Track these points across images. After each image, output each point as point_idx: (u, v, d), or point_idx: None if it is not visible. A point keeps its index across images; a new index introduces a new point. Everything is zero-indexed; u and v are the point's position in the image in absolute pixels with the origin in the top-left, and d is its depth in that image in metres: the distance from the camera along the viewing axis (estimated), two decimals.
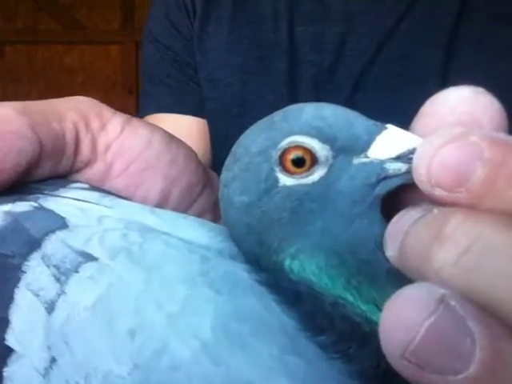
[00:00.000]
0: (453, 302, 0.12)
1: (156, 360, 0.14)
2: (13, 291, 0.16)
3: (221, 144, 0.32)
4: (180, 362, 0.14)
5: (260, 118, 0.19)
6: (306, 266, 0.16)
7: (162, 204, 0.23)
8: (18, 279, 0.16)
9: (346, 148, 0.16)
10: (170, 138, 0.24)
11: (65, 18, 2.87)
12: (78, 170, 0.22)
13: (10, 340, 0.16)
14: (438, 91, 0.17)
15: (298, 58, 0.53)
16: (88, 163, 0.22)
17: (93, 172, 0.22)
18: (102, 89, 2.97)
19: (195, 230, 0.19)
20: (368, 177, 0.16)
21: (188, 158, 0.24)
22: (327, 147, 0.16)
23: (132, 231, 0.17)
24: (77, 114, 0.23)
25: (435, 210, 0.14)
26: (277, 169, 0.17)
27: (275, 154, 0.17)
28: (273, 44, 0.54)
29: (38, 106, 0.22)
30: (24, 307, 0.16)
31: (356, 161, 0.16)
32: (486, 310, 0.12)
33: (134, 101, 2.95)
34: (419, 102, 0.18)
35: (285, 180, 0.17)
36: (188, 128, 0.50)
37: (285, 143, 0.17)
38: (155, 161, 0.23)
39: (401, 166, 0.16)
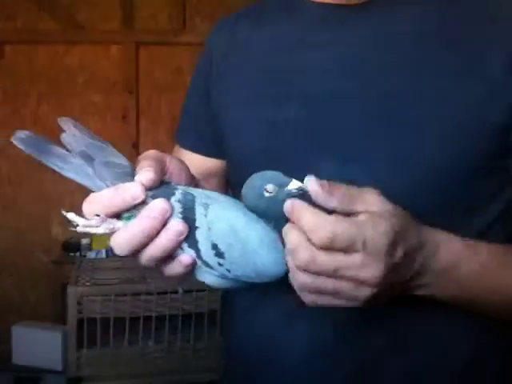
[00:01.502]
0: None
1: (236, 232, 0.48)
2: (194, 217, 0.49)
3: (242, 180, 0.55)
4: (237, 227, 0.48)
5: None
6: (269, 217, 0.49)
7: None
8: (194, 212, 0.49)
9: (281, 185, 0.47)
10: (182, 162, 0.55)
11: (65, 17, 2.87)
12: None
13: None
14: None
15: (305, 83, 0.59)
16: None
17: (168, 177, 0.51)
18: (102, 89, 2.98)
19: (224, 196, 0.53)
20: (286, 194, 0.47)
21: (187, 170, 0.56)
22: (276, 186, 0.47)
23: (210, 196, 0.50)
24: (158, 158, 0.50)
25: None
26: (264, 191, 0.47)
27: (262, 187, 0.47)
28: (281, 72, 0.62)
29: (150, 158, 0.49)
30: (198, 218, 0.48)
31: (283, 189, 0.47)
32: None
33: (134, 101, 2.96)
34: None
35: (266, 195, 0.48)
36: (198, 164, 0.72)
37: (265, 184, 0.47)
38: (179, 171, 0.53)
39: (296, 191, 0.47)
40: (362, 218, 0.44)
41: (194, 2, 3.00)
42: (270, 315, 0.62)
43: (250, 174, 0.56)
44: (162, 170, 0.49)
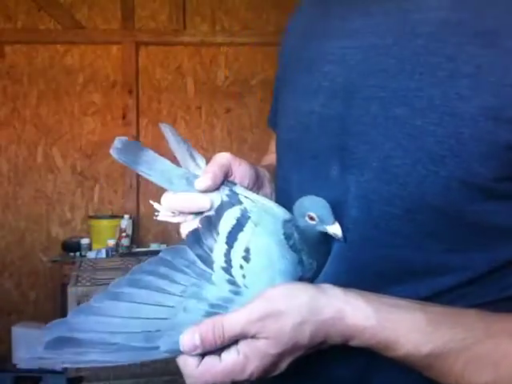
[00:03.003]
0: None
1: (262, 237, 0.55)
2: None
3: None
4: (262, 247, 0.53)
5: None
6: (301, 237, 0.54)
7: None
8: (246, 218, 0.55)
9: (324, 221, 0.52)
10: (251, 168, 0.61)
11: (65, 17, 2.87)
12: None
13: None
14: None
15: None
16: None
17: (232, 178, 0.59)
18: (102, 89, 2.98)
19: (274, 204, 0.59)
20: (322, 230, 0.52)
21: (253, 175, 0.61)
22: (318, 218, 0.51)
23: (266, 211, 0.57)
24: (224, 163, 0.58)
25: None
26: (307, 216, 0.52)
27: (308, 211, 0.52)
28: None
29: (216, 164, 0.57)
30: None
31: (323, 225, 0.52)
32: None
33: (134, 101, 2.96)
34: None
35: (306, 219, 0.52)
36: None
37: (312, 210, 0.52)
38: (244, 177, 0.59)
39: (332, 234, 0.52)
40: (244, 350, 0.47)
41: (194, 2, 3.00)
42: None
43: (281, 160, 0.66)
44: (223, 174, 0.57)
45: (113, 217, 2.86)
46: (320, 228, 0.51)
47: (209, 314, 0.48)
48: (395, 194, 0.50)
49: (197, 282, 0.50)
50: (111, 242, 2.62)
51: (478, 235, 0.49)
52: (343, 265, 0.54)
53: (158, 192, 0.58)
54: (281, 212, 0.57)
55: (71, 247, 2.77)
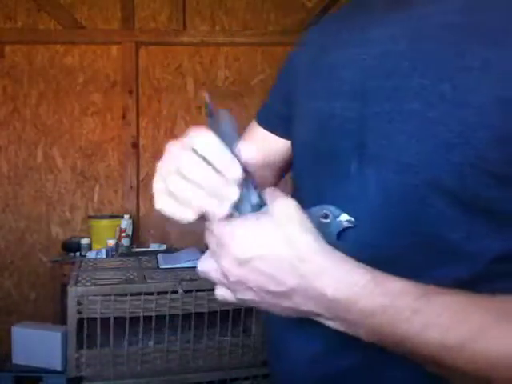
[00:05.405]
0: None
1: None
2: None
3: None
4: None
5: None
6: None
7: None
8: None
9: (335, 216, 0.56)
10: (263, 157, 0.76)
11: (65, 17, 2.87)
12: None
13: None
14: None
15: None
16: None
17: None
18: (102, 89, 2.98)
19: None
20: (338, 224, 0.56)
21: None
22: (332, 214, 0.56)
23: None
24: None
25: None
26: (320, 218, 0.55)
27: (321, 213, 0.56)
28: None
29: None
30: None
31: (336, 220, 0.56)
32: None
33: (134, 101, 2.96)
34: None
35: (321, 220, 0.55)
36: (262, 136, 0.84)
37: (324, 211, 0.56)
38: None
39: (347, 223, 0.56)
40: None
41: (194, 2, 3.00)
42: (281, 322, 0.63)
43: (297, 166, 0.70)
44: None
45: (113, 217, 2.86)
46: (335, 223, 0.56)
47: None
48: (411, 182, 0.52)
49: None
50: (111, 242, 2.62)
51: (495, 223, 0.51)
52: (367, 253, 0.55)
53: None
54: None
55: (71, 247, 2.77)
